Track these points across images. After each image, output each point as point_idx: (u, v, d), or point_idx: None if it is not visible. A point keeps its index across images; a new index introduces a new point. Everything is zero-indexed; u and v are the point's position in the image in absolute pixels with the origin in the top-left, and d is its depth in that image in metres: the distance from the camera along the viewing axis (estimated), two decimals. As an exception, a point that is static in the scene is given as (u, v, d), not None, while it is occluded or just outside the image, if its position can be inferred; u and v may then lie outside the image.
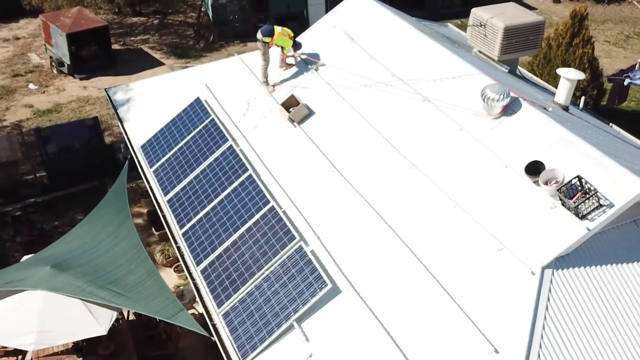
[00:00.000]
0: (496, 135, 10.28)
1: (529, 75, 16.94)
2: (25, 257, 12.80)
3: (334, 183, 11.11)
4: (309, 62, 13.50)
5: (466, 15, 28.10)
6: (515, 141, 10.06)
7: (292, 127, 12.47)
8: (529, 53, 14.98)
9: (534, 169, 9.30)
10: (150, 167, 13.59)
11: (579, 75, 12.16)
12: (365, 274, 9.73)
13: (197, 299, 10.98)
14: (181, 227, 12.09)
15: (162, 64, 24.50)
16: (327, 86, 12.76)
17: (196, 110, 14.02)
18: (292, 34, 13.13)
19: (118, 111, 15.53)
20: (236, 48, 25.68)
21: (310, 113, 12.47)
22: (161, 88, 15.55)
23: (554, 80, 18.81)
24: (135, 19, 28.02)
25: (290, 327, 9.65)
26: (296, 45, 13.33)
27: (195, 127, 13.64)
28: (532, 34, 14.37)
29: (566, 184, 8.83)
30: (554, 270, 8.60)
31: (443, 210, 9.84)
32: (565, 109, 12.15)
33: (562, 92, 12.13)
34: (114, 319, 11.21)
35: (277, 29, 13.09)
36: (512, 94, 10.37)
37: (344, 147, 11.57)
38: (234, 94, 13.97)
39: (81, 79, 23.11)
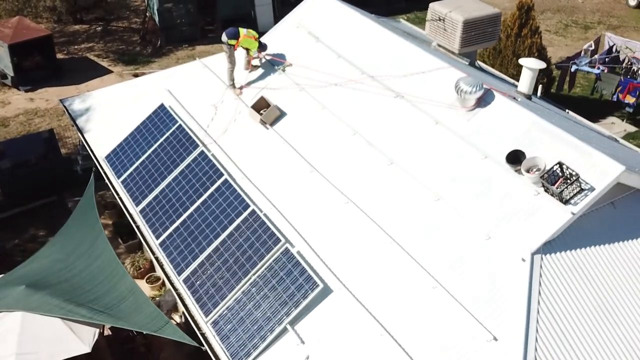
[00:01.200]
0: (472, 127, 10.48)
1: (484, 66, 17.31)
2: (-7, 279, 12.29)
3: (314, 183, 11.10)
4: (275, 63, 13.45)
5: (409, 11, 28.68)
6: (492, 132, 10.28)
7: (264, 130, 12.39)
8: (487, 45, 15.32)
9: (515, 158, 9.52)
10: (118, 177, 13.27)
11: (541, 64, 12.52)
12: (355, 272, 9.77)
13: (182, 308, 10.79)
14: (157, 237, 11.85)
15: (110, 71, 23.92)
16: (296, 86, 12.72)
17: (161, 117, 13.76)
18: (257, 36, 13.05)
19: (77, 122, 15.09)
20: (185, 52, 25.35)
21: (281, 114, 12.41)
22: (120, 96, 15.19)
23: (506, 70, 19.36)
24: (77, 27, 27.25)
25: (284, 330, 9.60)
26: (262, 47, 13.25)
27: (162, 134, 13.39)
28: (490, 26, 14.69)
29: (548, 170, 9.07)
30: (543, 256, 8.84)
31: (427, 204, 9.96)
32: (529, 98, 12.48)
33: (525, 82, 12.47)
34: (96, 336, 10.90)
35: (242, 31, 12.98)
36: (484, 86, 10.58)
37: (320, 147, 11.57)
38: (199, 99, 13.78)
39: (26, 91, 22.35)
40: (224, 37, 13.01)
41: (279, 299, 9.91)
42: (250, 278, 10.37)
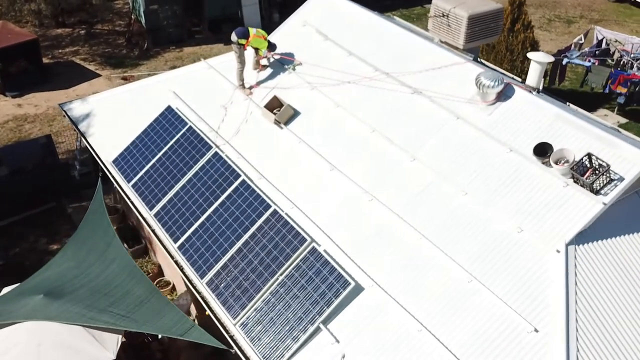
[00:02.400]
0: (494, 121, 10.54)
1: (483, 62, 17.43)
2: (5, 289, 12.00)
3: (335, 181, 11.06)
4: (285, 62, 13.36)
5: (394, 9, 28.79)
6: (515, 125, 10.35)
7: (278, 129, 12.31)
8: (490, 40, 15.39)
9: (542, 150, 9.60)
10: (128, 181, 13.06)
11: (549, 58, 12.63)
12: (386, 269, 9.75)
13: (208, 311, 10.67)
14: (175, 241, 11.69)
15: (98, 75, 23.59)
16: (307, 85, 12.66)
17: (169, 119, 13.59)
18: (266, 35, 12.94)
19: (79, 127, 14.83)
20: (173, 54, 25.13)
21: (295, 113, 12.34)
22: (122, 99, 14.97)
23: (500, 65, 19.53)
24: (59, 31, 26.81)
25: (317, 330, 9.55)
26: (271, 47, 13.14)
27: (172, 136, 13.22)
28: (493, 21, 14.77)
29: (578, 162, 9.16)
30: (576, 246, 8.93)
31: (454, 199, 9.99)
32: (538, 91, 12.60)
33: (534, 76, 12.48)
34: (119, 342, 10.72)
35: (252, 30, 12.87)
36: (505, 80, 10.66)
37: (338, 145, 11.52)
38: (207, 100, 13.63)
39: (14, 97, 21.94)
40: (233, 37, 12.89)
41: (310, 299, 9.85)
42: (277, 279, 10.29)
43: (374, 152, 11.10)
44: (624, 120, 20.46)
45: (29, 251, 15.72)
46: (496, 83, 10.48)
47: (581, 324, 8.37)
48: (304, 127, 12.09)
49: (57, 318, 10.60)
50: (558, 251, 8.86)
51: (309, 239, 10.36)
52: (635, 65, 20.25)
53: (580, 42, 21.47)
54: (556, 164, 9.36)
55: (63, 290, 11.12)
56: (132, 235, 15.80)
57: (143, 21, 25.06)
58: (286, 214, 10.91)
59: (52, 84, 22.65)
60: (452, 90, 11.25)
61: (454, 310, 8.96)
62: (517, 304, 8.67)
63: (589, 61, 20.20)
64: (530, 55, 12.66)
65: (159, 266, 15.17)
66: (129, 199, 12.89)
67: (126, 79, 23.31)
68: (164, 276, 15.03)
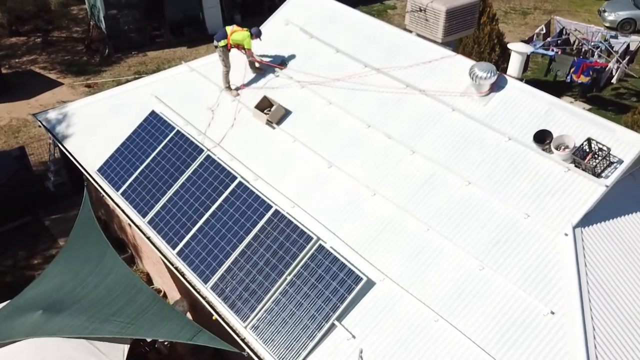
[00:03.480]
0: (490, 111, 10.74)
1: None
2: (-3, 306, 11.63)
3: (334, 178, 11.09)
4: (269, 69, 13.22)
5: (355, 6, 28.95)
6: (511, 114, 10.58)
7: (270, 129, 12.26)
8: (467, 33, 15.65)
9: (542, 137, 9.84)
10: (117, 189, 12.80)
11: (529, 48, 12.96)
12: (395, 263, 9.84)
13: (215, 316, 10.56)
14: (174, 247, 11.52)
15: (60, 83, 23.01)
16: (297, 84, 12.65)
17: (154, 124, 13.36)
18: (246, 28, 12.72)
19: (56, 136, 14.45)
20: (136, 59, 24.72)
21: (286, 113, 12.31)
22: (100, 106, 14.64)
23: (468, 57, 19.87)
24: (14, 40, 26.02)
25: (332, 326, 9.57)
26: (255, 34, 12.72)
27: (159, 141, 13.01)
28: (469, 14, 15.06)
29: (579, 147, 9.44)
30: (582, 229, 9.19)
31: (458, 189, 10.15)
32: (520, 81, 12.91)
33: (515, 66, 12.83)
34: (126, 352, 10.51)
35: (228, 28, 12.67)
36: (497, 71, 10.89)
37: (334, 142, 11.55)
38: (192, 103, 13.46)
39: (-27, 109, 21.18)
40: (215, 43, 12.70)
41: (322, 296, 9.86)
42: (285, 278, 10.27)
43: (372, 147, 11.17)
44: (587, 107, 21.10)
45: (10, 267, 15.25)
46: (490, 74, 10.69)
47: (594, 303, 8.63)
48: (297, 126, 12.07)
49: (60, 333, 10.33)
50: (566, 234, 9.11)
51: (315, 237, 10.37)
52: (596, 53, 20.93)
53: (542, 32, 22.04)
54: (557, 149, 9.61)
55: (62, 304, 10.84)
56: (116, 244, 15.43)
57: (103, 27, 24.54)
58: (288, 213, 10.88)
59: (13, 95, 21.97)
60: (444, 83, 11.42)
61: (469, 298, 9.11)
62: (530, 288, 8.87)
63: (553, 50, 20.76)
64: (510, 46, 12.97)
65: (147, 274, 14.93)
66: (118, 207, 12.63)
67: (90, 87, 22.82)
68: (153, 284, 14.80)
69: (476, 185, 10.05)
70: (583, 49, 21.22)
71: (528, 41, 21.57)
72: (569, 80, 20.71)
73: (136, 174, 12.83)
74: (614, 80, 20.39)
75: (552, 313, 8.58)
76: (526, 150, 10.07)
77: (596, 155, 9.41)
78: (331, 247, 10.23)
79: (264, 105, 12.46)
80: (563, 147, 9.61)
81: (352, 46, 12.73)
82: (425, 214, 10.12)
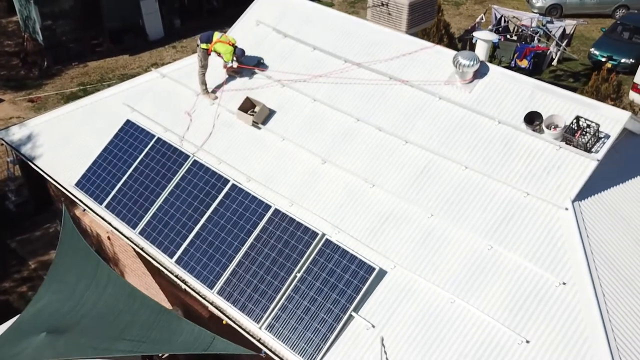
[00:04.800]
0: (476, 98, 11.15)
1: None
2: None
3: (330, 174, 11.24)
4: (249, 72, 13.19)
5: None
6: (497, 99, 11.02)
7: (256, 130, 12.26)
8: (427, 25, 16.10)
9: (531, 118, 10.32)
10: (100, 203, 12.49)
11: (493, 36, 13.50)
12: (401, 250, 10.09)
13: (226, 320, 10.53)
14: (171, 256, 11.38)
15: (0, 100, 22.04)
16: (277, 83, 12.70)
17: (131, 133, 13.11)
18: (234, 42, 12.68)
19: (23, 153, 13.96)
20: (77, 71, 24.06)
21: (270, 113, 12.35)
22: (67, 120, 14.23)
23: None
24: (-58, 58, 24.76)
25: (350, 318, 9.74)
26: (238, 52, 12.82)
27: (139, 150, 12.78)
28: (429, 6, 15.52)
29: (570, 125, 9.96)
30: (579, 202, 9.72)
31: (455, 174, 10.49)
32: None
33: (481, 53, 13.35)
34: (139, 367, 10.33)
35: (217, 35, 12.65)
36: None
37: (324, 138, 11.68)
38: (168, 109, 13.29)
39: None
40: (198, 41, 12.64)
41: (335, 289, 10.00)
42: (295, 276, 10.34)
43: (364, 140, 11.38)
44: (531, 90, 22.02)
45: (-20, 294, 14.62)
46: (473, 62, 11.09)
47: (600, 272, 9.15)
48: (283, 125, 12.13)
49: (68, 354, 10.03)
50: (567, 209, 9.60)
51: (320, 232, 10.49)
52: (535, 38, 21.91)
53: (482, 20, 22.87)
54: (548, 129, 10.10)
55: (65, 324, 10.52)
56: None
57: (40, 38, 23.69)
58: (288, 211, 10.95)
59: (-49, 115, 20.95)
60: (427, 73, 11.75)
61: (482, 277, 9.47)
62: (540, 262, 9.32)
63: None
64: (476, 34, 13.46)
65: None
66: (105, 220, 12.33)
67: (33, 101, 22.05)
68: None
69: (473, 169, 10.43)
70: (523, 35, 22.17)
71: (471, 30, 22.33)
72: (513, 65, 21.58)
73: (119, 185, 12.56)
74: (554, 63, 21.40)
75: (564, 284, 9.05)
76: (517, 132, 10.53)
77: (584, 132, 9.95)
78: (337, 241, 10.38)
79: (247, 106, 12.46)
80: (554, 127, 10.11)
81: (329, 43, 12.89)
82: (426, 201, 10.42)
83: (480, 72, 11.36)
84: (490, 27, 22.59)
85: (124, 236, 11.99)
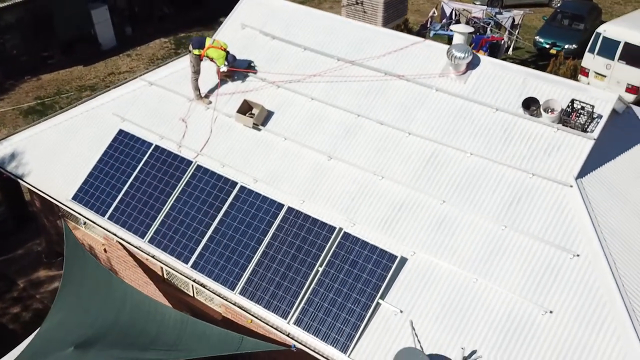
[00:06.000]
0: (471, 88, 11.73)
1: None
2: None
3: (338, 169, 11.57)
4: (241, 75, 13.34)
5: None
6: (491, 88, 11.62)
7: (256, 132, 12.47)
8: (399, 21, 16.72)
9: (528, 103, 10.97)
10: (103, 215, 12.41)
11: (469, 29, 14.16)
12: (419, 237, 10.55)
13: (251, 319, 10.73)
14: (186, 261, 11.47)
15: (-46, 118, 21.30)
16: (272, 85, 12.93)
17: (126, 142, 13.06)
18: (225, 46, 12.82)
19: (9, 171, 13.67)
20: (31, 84, 23.51)
21: (269, 114, 12.57)
22: (52, 133, 14.02)
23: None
24: None
25: (378, 305, 10.12)
26: (230, 58, 12.97)
27: (138, 159, 12.76)
28: (401, 3, 16.15)
29: (566, 107, 10.66)
30: (581, 179, 10.43)
31: (461, 161, 11.03)
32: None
33: (459, 45, 14.00)
34: (169, 374, 10.36)
35: (209, 40, 12.75)
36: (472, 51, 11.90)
37: (326, 135, 12.00)
38: (160, 117, 13.30)
39: None
40: (190, 47, 12.72)
41: (360, 280, 10.36)
42: (317, 270, 10.65)
43: (368, 134, 11.77)
44: (486, 79, 22.96)
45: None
46: (467, 54, 11.66)
47: (608, 242, 9.87)
48: (283, 125, 12.38)
49: (99, 366, 10.01)
50: (571, 186, 10.29)
51: (337, 226, 10.82)
52: (488, 29, 22.84)
53: (435, 15, 23.66)
54: (546, 112, 10.77)
55: (91, 338, 10.43)
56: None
57: (-11, 53, 22.96)
58: (301, 208, 11.22)
59: None
60: (420, 67, 12.25)
61: (499, 256, 10.03)
62: (552, 238, 9.96)
63: (451, 30, 22.34)
64: (453, 27, 14.08)
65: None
66: (109, 232, 12.27)
67: (-11, 118, 21.37)
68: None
69: (478, 155, 10.99)
70: (476, 27, 23.03)
71: (425, 25, 23.08)
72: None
73: (120, 195, 12.51)
74: (510, 52, 22.39)
75: (577, 255, 9.71)
76: (515, 117, 11.16)
77: (579, 113, 10.67)
78: (356, 233, 10.74)
79: (245, 109, 12.64)
80: (551, 110, 10.78)
81: (319, 42, 13.21)
82: (436, 189, 10.91)
83: (473, 64, 11.94)
84: (444, 20, 23.38)
85: (133, 246, 11.96)
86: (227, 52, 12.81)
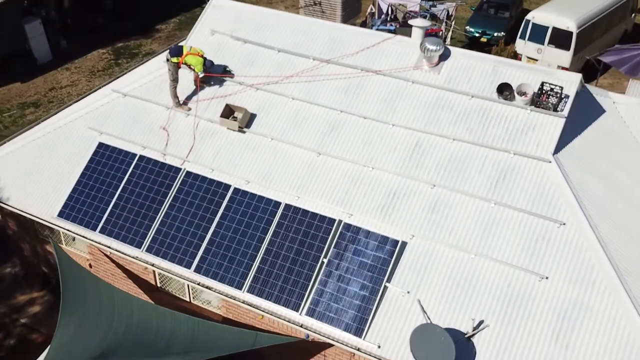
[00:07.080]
0: (445, 78, 12.46)
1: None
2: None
3: (327, 164, 12.04)
4: (219, 80, 13.57)
5: (174, 15, 29.05)
6: (464, 77, 12.39)
7: (241, 134, 12.75)
8: (355, 19, 17.32)
9: (502, 89, 11.80)
10: (94, 229, 12.39)
11: (427, 23, 14.95)
12: (415, 221, 11.18)
13: (263, 315, 11.07)
14: (188, 266, 11.66)
15: None
16: (250, 89, 13.24)
17: (107, 155, 13.06)
18: (202, 53, 13.01)
19: (-15, 193, 13.38)
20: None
21: (252, 116, 12.88)
22: (25, 153, 13.81)
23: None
24: None
25: (385, 289, 10.68)
26: (208, 64, 13.14)
27: (123, 171, 12.80)
28: (356, 2, 16.78)
29: (538, 90, 11.55)
30: (557, 155, 11.35)
31: (446, 147, 11.73)
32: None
33: (419, 38, 14.76)
34: (189, 377, 10.56)
35: (186, 48, 12.92)
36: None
37: (311, 133, 12.43)
38: (137, 127, 13.35)
39: None
40: (167, 55, 12.84)
41: (365, 267, 10.89)
42: (322, 261, 11.09)
43: (353, 129, 12.30)
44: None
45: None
46: (439, 47, 12.38)
47: (589, 210, 10.81)
48: (268, 126, 12.73)
49: (119, 376, 10.10)
50: (550, 162, 11.18)
51: (337, 218, 11.31)
52: (425, 22, 23.80)
53: (373, 11, 24.45)
54: (519, 96, 11.63)
55: (107, 351, 10.49)
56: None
57: None
58: (298, 205, 11.63)
59: None
60: (394, 61, 12.89)
61: (492, 231, 10.80)
62: (538, 210, 10.82)
63: (392, 25, 23.23)
64: (411, 22, 14.82)
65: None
66: (103, 245, 12.26)
67: None
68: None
69: (460, 140, 11.73)
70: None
71: (365, 22, 23.82)
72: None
73: (110, 208, 12.52)
74: (448, 42, 23.45)
75: (564, 224, 10.61)
76: (490, 102, 11.97)
77: (549, 95, 11.59)
78: (356, 223, 11.26)
79: (227, 113, 12.90)
80: (523, 93, 11.65)
81: (292, 44, 13.61)
82: (425, 174, 11.57)
83: (444, 55, 12.68)
84: (383, 16, 24.20)
85: (129, 256, 12.02)
86: (205, 59, 13.02)
